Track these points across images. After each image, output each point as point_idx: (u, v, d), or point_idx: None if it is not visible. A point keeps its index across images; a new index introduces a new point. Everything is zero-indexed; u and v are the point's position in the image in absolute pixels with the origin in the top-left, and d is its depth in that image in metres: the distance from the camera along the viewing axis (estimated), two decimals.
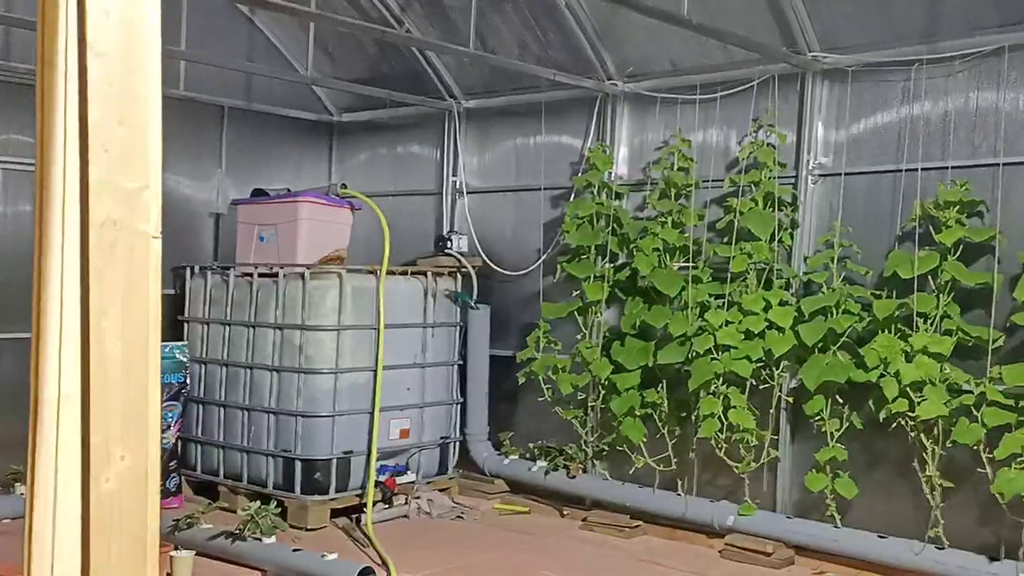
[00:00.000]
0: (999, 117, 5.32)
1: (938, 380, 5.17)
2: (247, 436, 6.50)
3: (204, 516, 5.50)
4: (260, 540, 5.30)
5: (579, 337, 6.55)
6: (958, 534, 5.24)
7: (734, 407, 5.75)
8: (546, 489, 6.69)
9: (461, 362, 7.04)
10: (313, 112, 8.23)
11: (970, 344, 5.25)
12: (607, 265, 6.46)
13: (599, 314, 6.52)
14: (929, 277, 5.34)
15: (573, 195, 6.80)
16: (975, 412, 5.10)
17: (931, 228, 5.38)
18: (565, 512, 6.61)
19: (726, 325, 5.80)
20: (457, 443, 7.05)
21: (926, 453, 5.27)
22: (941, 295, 5.30)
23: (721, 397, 5.80)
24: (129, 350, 1.56)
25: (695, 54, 6.33)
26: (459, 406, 7.05)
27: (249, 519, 5.32)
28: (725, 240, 6.05)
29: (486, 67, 7.21)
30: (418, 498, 6.56)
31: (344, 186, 6.98)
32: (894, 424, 5.33)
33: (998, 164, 5.29)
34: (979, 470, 5.11)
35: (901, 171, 5.59)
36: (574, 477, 6.54)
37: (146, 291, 1.57)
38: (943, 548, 5.21)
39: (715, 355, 5.80)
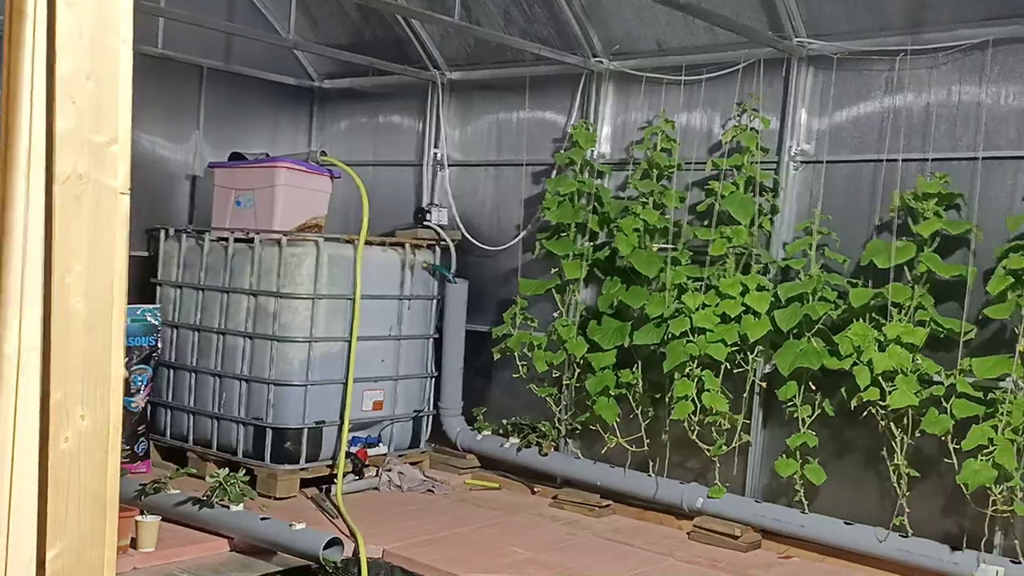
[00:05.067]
0: (980, 111, 5.33)
1: (910, 370, 5.20)
2: (218, 403, 6.46)
3: (172, 482, 5.46)
4: (228, 507, 5.27)
5: (556, 315, 6.55)
6: (922, 523, 5.30)
7: (708, 390, 5.77)
8: (517, 466, 6.70)
9: (437, 336, 7.02)
10: (294, 77, 8.12)
11: (942, 336, 5.29)
12: (586, 244, 6.44)
13: (577, 292, 6.51)
14: (905, 268, 5.36)
15: (555, 172, 6.77)
16: (944, 403, 5.14)
17: (909, 219, 5.39)
18: (536, 489, 6.62)
19: (703, 308, 5.81)
20: (430, 417, 7.04)
21: (895, 442, 5.31)
22: (916, 286, 5.33)
23: (695, 380, 5.82)
24: (93, 308, 1.53)
25: (681, 34, 6.30)
26: (433, 380, 7.04)
27: (217, 486, 5.30)
28: (705, 223, 6.04)
29: (470, 38, 7.14)
30: (389, 470, 6.55)
31: (324, 153, 6.91)
32: (865, 412, 5.36)
33: (977, 158, 5.31)
34: (946, 460, 5.16)
35: (882, 161, 5.60)
36: (546, 455, 6.55)
37: (112, 248, 1.53)
38: (907, 536, 5.27)
39: (691, 338, 5.81)
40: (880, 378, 5.23)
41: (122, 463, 5.89)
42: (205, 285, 6.61)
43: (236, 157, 6.98)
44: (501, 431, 6.88)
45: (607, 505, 6.23)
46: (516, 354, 6.57)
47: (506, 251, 7.09)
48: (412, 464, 6.78)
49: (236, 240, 6.50)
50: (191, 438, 6.59)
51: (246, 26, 7.45)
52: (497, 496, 6.56)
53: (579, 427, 6.51)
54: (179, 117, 7.44)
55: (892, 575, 5.28)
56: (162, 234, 6.90)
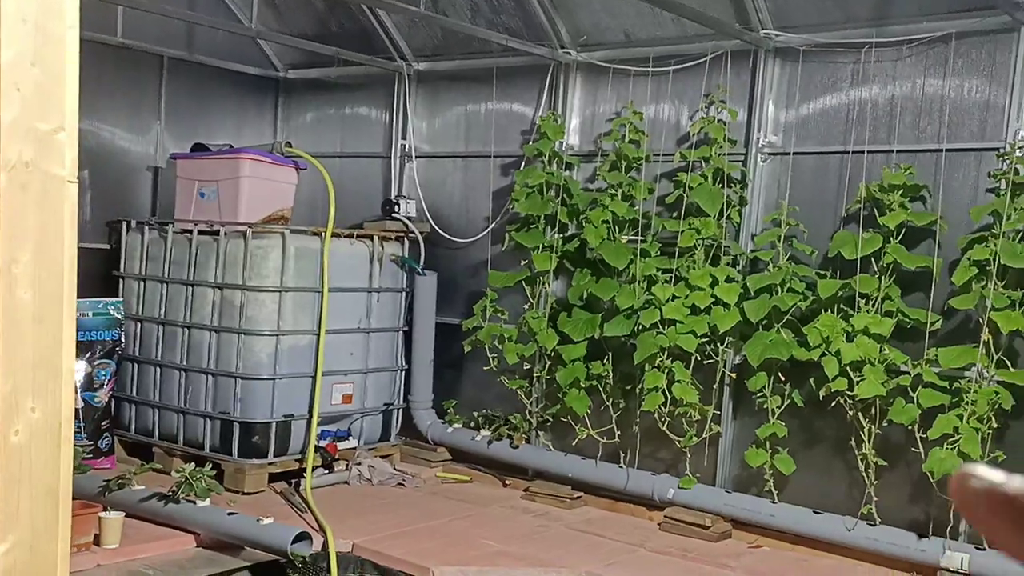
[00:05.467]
0: (944, 103, 5.37)
1: (877, 360, 5.24)
2: (184, 397, 6.39)
3: (137, 477, 5.39)
4: (194, 503, 5.21)
5: (526, 307, 6.52)
6: (890, 511, 5.34)
7: (678, 381, 5.77)
8: (489, 458, 6.68)
9: (406, 328, 6.98)
10: (258, 67, 8.02)
11: (909, 326, 5.33)
12: (556, 235, 6.42)
13: (547, 284, 6.49)
14: (872, 259, 5.39)
15: (523, 164, 6.74)
16: (911, 393, 5.18)
17: (875, 210, 5.42)
18: (507, 481, 6.61)
19: (673, 300, 5.81)
20: (400, 410, 7.00)
21: (863, 432, 5.35)
22: (883, 277, 5.36)
23: (666, 371, 5.82)
24: (42, 299, 1.49)
25: (649, 26, 6.29)
26: (403, 373, 7.00)
27: (183, 481, 5.23)
28: (674, 215, 6.04)
29: (437, 29, 7.09)
30: (359, 464, 6.51)
31: (289, 144, 6.83)
32: (833, 403, 5.39)
33: (941, 150, 5.35)
34: (912, 449, 5.20)
35: (848, 153, 5.63)
36: (517, 447, 6.53)
37: (61, 237, 1.49)
38: (875, 524, 5.31)
39: (661, 329, 5.81)
40: (848, 368, 5.26)
41: (85, 459, 5.84)
42: (169, 278, 6.52)
43: (199, 148, 6.88)
44: (472, 424, 6.85)
45: (578, 497, 6.23)
46: (486, 346, 6.55)
47: (475, 243, 7.06)
48: (382, 457, 6.74)
49: (200, 232, 6.42)
50: (156, 433, 6.51)
51: (208, 15, 7.33)
52: (468, 489, 6.54)
53: (550, 419, 6.50)
54: (140, 108, 7.32)
55: (860, 563, 5.33)
56: (124, 226, 6.79)
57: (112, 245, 6.93)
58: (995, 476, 0.63)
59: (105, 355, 6.40)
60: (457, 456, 6.91)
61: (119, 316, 6.49)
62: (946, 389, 5.10)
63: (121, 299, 6.61)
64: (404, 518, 5.73)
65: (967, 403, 4.98)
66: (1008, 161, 5.04)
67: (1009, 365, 5.05)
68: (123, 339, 6.52)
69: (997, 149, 5.16)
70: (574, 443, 6.34)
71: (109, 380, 6.42)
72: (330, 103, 7.98)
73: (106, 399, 6.40)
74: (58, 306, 1.53)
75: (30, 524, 1.55)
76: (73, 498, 5.10)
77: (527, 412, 6.58)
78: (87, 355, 6.32)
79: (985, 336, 5.03)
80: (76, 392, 6.28)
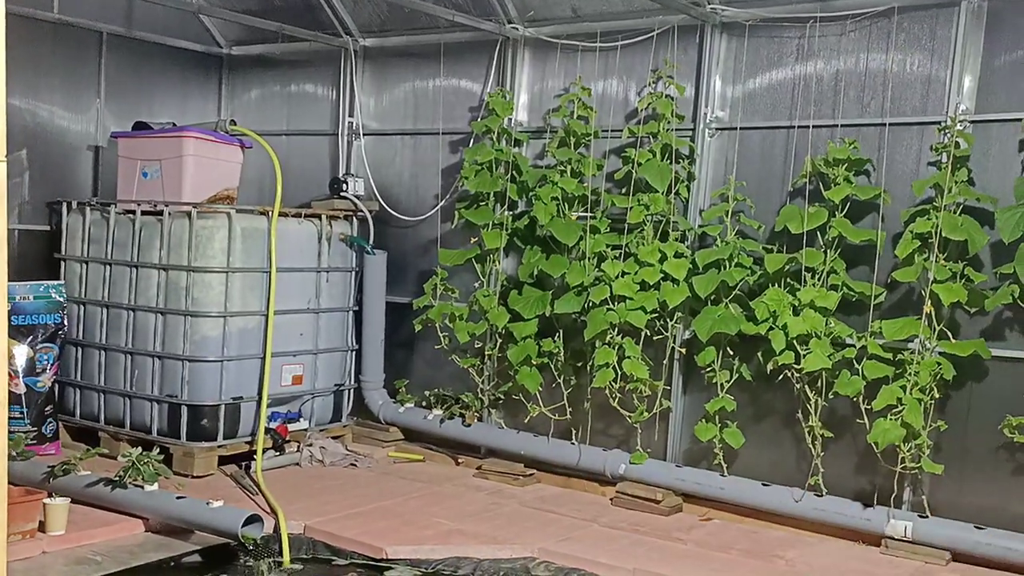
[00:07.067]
0: (887, 78, 5.43)
1: (823, 333, 5.31)
2: (130, 381, 6.28)
3: (82, 463, 5.29)
4: (142, 487, 5.13)
5: (477, 285, 6.51)
6: (836, 482, 5.44)
7: (628, 357, 5.81)
8: (441, 437, 6.67)
9: (357, 308, 6.92)
10: (201, 43, 7.85)
11: (854, 299, 5.41)
12: (505, 213, 6.40)
13: (497, 262, 6.48)
14: (818, 233, 5.46)
15: (472, 141, 6.70)
16: (856, 365, 5.27)
17: (821, 185, 5.48)
18: (460, 460, 6.61)
19: (622, 276, 5.83)
20: (352, 390, 6.96)
21: (809, 404, 5.43)
22: (829, 251, 5.43)
23: (616, 347, 5.85)
24: None
25: (596, 1, 6.27)
26: (354, 353, 6.95)
27: (130, 465, 5.14)
28: (623, 191, 6.05)
29: (383, 4, 6.99)
30: (311, 445, 6.46)
31: (233, 123, 6.70)
32: (780, 376, 5.47)
33: (884, 124, 5.42)
34: (858, 421, 5.30)
35: (794, 127, 5.68)
36: (469, 425, 6.53)
37: None
38: (822, 495, 5.40)
39: (611, 305, 5.84)
40: (795, 342, 5.34)
41: (29, 445, 5.72)
42: (113, 260, 6.39)
43: (141, 126, 6.72)
44: (424, 403, 6.83)
45: (531, 474, 6.26)
46: (437, 325, 6.52)
47: (425, 221, 7.02)
48: (334, 438, 6.70)
49: (144, 213, 6.29)
50: (103, 418, 6.40)
51: None
52: (421, 468, 6.53)
53: (502, 397, 6.50)
54: (79, 86, 7.12)
55: (808, 533, 5.42)
56: (65, 207, 6.63)
57: (53, 227, 6.77)
58: None
59: (47, 339, 6.26)
60: (409, 436, 6.90)
61: (61, 299, 6.35)
62: (890, 361, 5.20)
63: (63, 282, 6.47)
64: (357, 499, 5.70)
65: (910, 374, 5.08)
66: (949, 134, 5.12)
67: (951, 336, 5.15)
68: (66, 322, 6.38)
69: (938, 123, 5.24)
70: (526, 421, 6.35)
71: (52, 364, 6.28)
72: (275, 80, 7.85)
73: (49, 384, 6.27)
74: None
75: None
76: (17, 485, 4.99)
77: (479, 390, 6.58)
78: (29, 339, 6.18)
79: (927, 308, 5.12)
80: (19, 377, 6.14)
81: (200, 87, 7.90)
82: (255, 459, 5.95)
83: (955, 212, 5.11)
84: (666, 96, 5.94)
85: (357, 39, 7.35)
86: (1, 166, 1.43)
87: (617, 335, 5.87)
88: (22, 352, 6.18)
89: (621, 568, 4.82)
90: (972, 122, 5.19)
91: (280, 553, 4.99)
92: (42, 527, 4.77)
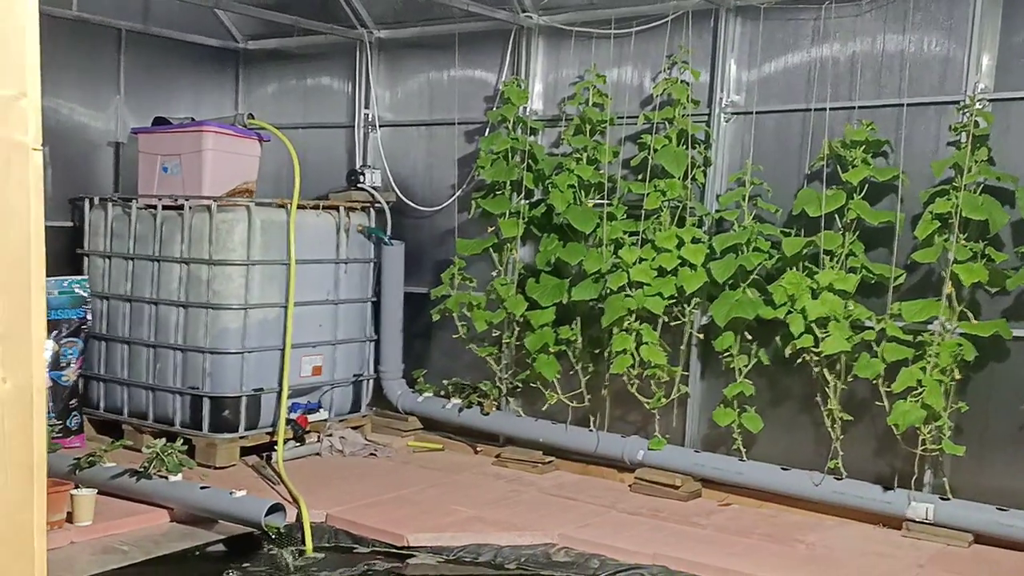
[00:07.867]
0: (904, 58, 5.41)
1: (842, 316, 5.30)
2: (152, 373, 6.34)
3: (107, 455, 5.36)
4: (166, 478, 5.19)
5: (494, 274, 6.53)
6: (856, 465, 5.44)
7: (646, 343, 5.82)
8: (460, 426, 6.71)
9: (375, 299, 6.96)
10: (217, 38, 7.89)
11: (873, 281, 5.40)
12: (522, 201, 6.42)
13: (514, 251, 6.50)
14: (836, 215, 5.45)
15: (488, 130, 6.72)
16: (875, 347, 5.26)
17: (838, 167, 5.47)
18: (479, 449, 6.65)
19: (639, 262, 5.84)
20: (371, 380, 7.00)
21: (828, 388, 5.43)
22: (847, 233, 5.42)
23: (633, 334, 5.86)
24: (8, 268, 1.47)
25: None
26: (373, 343, 6.99)
27: (154, 456, 5.21)
28: (639, 177, 6.06)
29: None
30: (330, 436, 6.51)
31: (252, 116, 6.74)
32: (799, 360, 5.47)
33: (902, 105, 5.40)
34: (877, 403, 5.29)
35: (810, 110, 5.67)
36: (488, 414, 6.56)
37: (27, 206, 1.47)
38: (841, 478, 5.40)
39: (628, 292, 5.84)
40: (813, 325, 5.33)
41: (55, 438, 5.79)
42: (135, 254, 6.45)
43: (160, 122, 6.78)
44: (442, 392, 6.87)
45: (550, 461, 6.28)
46: (455, 315, 6.55)
47: (442, 211, 7.04)
48: (354, 428, 6.75)
49: (165, 207, 6.34)
50: (126, 410, 6.46)
51: None
52: (440, 457, 6.57)
53: (520, 385, 6.53)
54: (98, 82, 7.18)
55: (828, 517, 5.42)
56: (87, 203, 6.70)
57: (75, 223, 6.83)
58: None
59: (71, 334, 6.33)
60: (428, 425, 6.94)
61: (85, 294, 6.41)
62: (910, 343, 5.19)
63: (86, 277, 6.53)
64: (377, 488, 5.75)
65: (930, 356, 5.07)
66: (968, 114, 5.10)
67: (971, 317, 5.14)
68: (89, 317, 6.44)
69: (957, 102, 5.21)
70: (544, 408, 6.38)
71: (76, 359, 6.36)
72: (291, 74, 7.89)
73: (74, 378, 6.34)
74: (25, 275, 1.52)
75: (5, 496, 1.54)
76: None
77: (497, 379, 6.60)
78: (54, 334, 6.24)
79: (948, 289, 5.11)
80: (44, 372, 6.20)
81: (217, 82, 7.94)
82: (276, 449, 6.00)
83: (975, 192, 5.09)
84: (681, 81, 5.94)
85: (372, 31, 7.37)
86: (37, 155, 1.46)
87: (635, 321, 5.88)
88: (47, 347, 6.23)
89: (641, 553, 4.84)
90: (991, 100, 5.16)
91: (303, 541, 5.03)
92: (70, 518, 4.84)
